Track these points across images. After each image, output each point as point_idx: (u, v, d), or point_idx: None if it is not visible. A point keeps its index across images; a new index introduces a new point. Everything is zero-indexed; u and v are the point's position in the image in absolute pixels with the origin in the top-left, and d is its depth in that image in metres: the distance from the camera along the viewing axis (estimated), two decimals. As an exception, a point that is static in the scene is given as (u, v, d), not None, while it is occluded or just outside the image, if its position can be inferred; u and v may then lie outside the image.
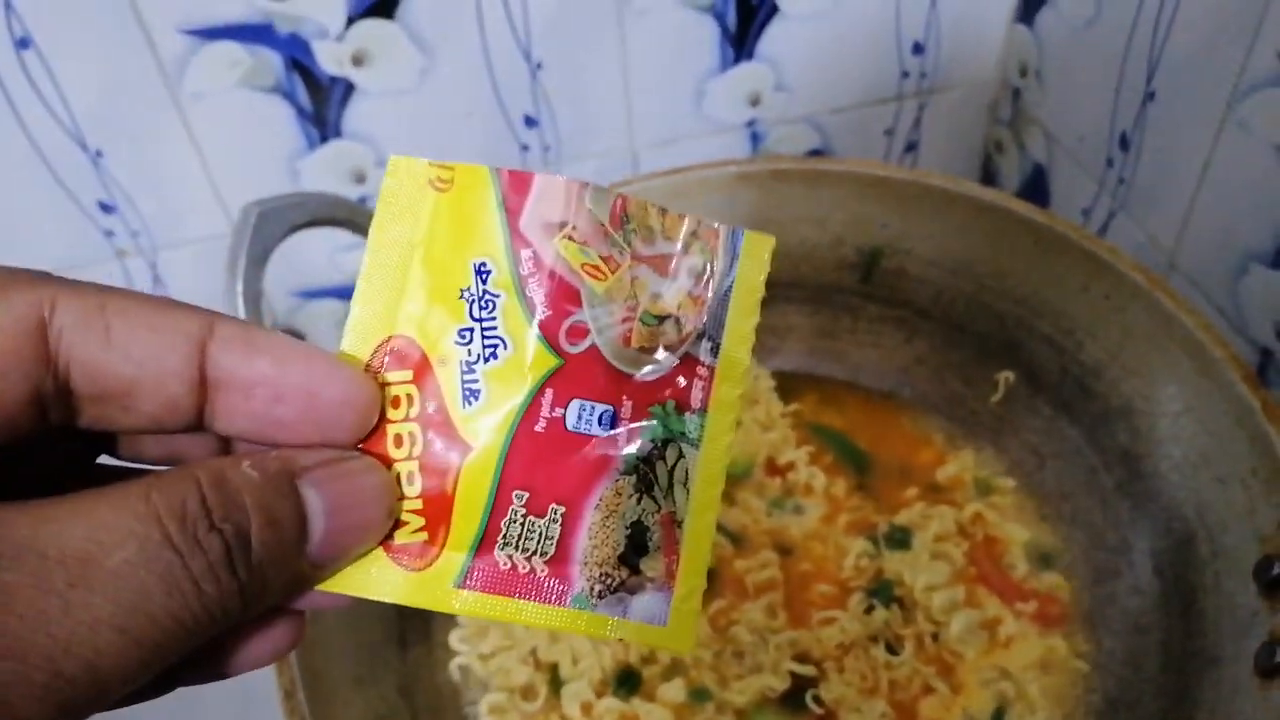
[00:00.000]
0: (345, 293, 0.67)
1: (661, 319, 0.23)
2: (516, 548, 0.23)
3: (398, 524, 0.22)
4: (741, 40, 0.63)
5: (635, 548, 0.23)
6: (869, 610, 0.50)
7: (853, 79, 0.66)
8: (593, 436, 0.23)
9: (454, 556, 0.23)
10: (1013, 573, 0.51)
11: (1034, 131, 0.67)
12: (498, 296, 0.23)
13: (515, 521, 0.23)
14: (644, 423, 0.23)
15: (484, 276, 0.23)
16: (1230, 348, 0.44)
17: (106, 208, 0.59)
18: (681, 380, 0.24)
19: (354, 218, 0.52)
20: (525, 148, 0.63)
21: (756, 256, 0.24)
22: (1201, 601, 0.44)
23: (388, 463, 0.23)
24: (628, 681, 0.49)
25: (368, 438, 0.23)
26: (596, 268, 0.23)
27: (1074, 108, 0.63)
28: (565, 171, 0.65)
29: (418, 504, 0.23)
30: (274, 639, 0.22)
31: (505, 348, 0.23)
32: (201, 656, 0.20)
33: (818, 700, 0.47)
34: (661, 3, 0.59)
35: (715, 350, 0.24)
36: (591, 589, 0.23)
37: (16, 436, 0.19)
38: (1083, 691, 0.47)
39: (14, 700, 0.16)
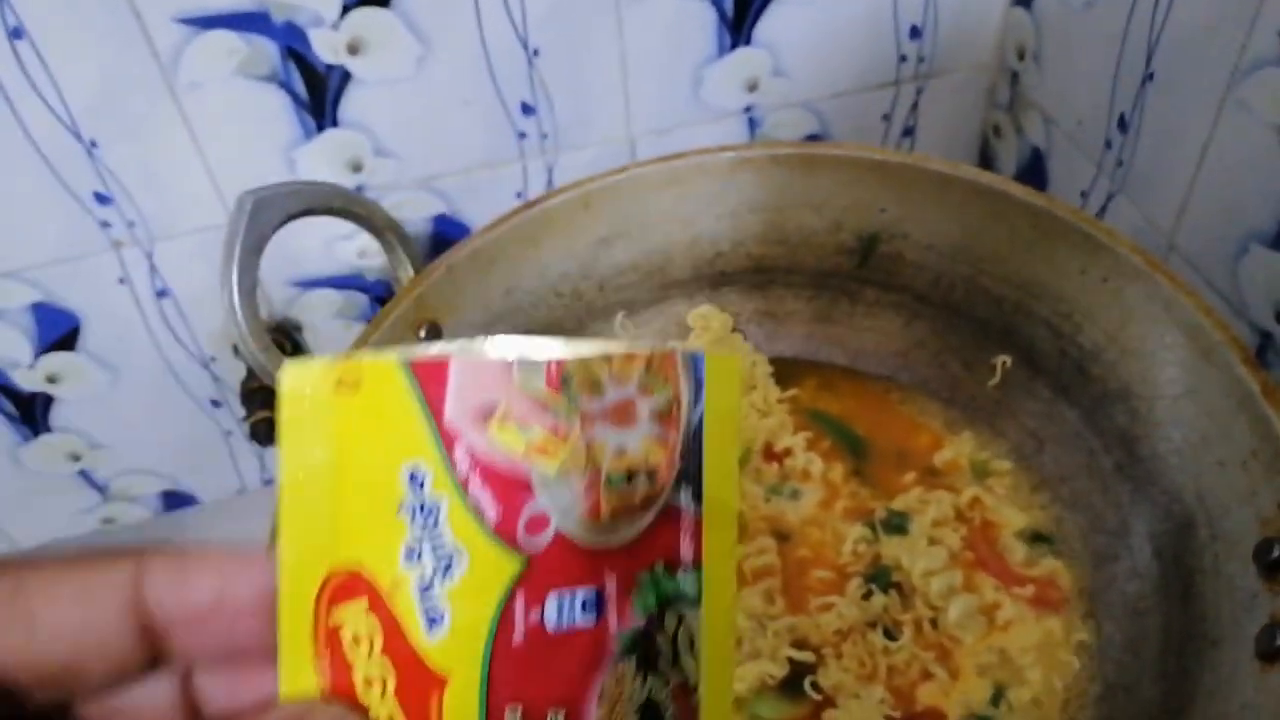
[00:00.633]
0: (343, 282, 0.67)
1: (631, 475, 0.21)
2: None
3: None
4: (739, 26, 0.62)
5: None
6: (867, 596, 0.49)
7: (850, 64, 0.66)
8: (578, 628, 0.20)
9: None
10: (1011, 557, 0.51)
11: (1032, 115, 0.66)
12: (439, 504, 0.20)
13: None
14: (633, 595, 0.21)
15: (419, 484, 0.20)
16: (1230, 330, 0.44)
17: (103, 199, 0.59)
18: (667, 537, 0.21)
19: (350, 206, 0.52)
20: (523, 135, 0.63)
21: (724, 379, 0.22)
22: (1201, 585, 0.44)
23: (362, 710, 0.20)
24: (626, 668, 0.49)
25: (334, 684, 0.21)
26: (543, 447, 0.20)
27: (1072, 90, 0.62)
28: (562, 161, 0.65)
29: (395, 710, 0.20)
30: None
31: (460, 560, 0.20)
32: None
33: (816, 686, 0.47)
34: (658, -12, 0.59)
35: (698, 495, 0.22)
36: None
37: None
38: (1081, 675, 0.47)
39: None
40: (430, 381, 0.20)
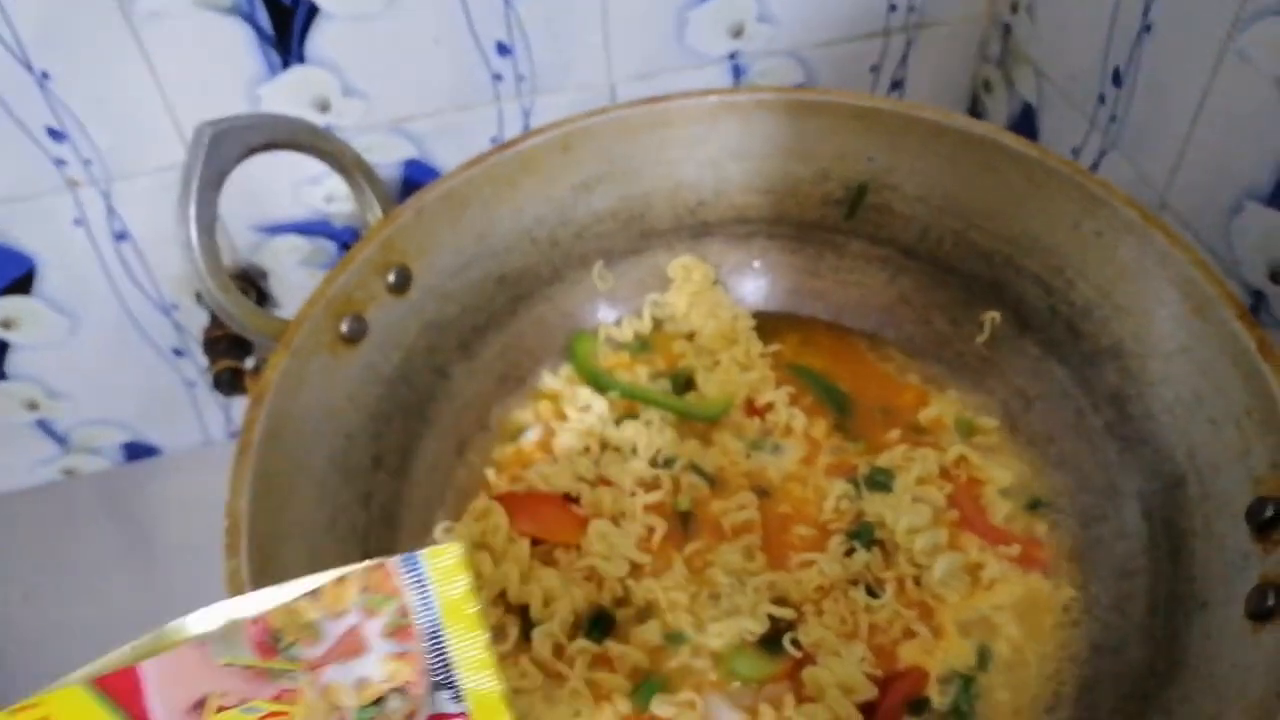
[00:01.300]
0: (309, 228, 0.64)
1: (379, 700, 0.20)
2: None
3: None
4: (725, -33, 0.60)
5: None
6: (849, 553, 0.48)
7: (839, 11, 0.64)
8: None
9: None
10: (996, 515, 0.50)
11: (1024, 69, 0.65)
12: None
13: None
14: None
15: None
16: (1225, 285, 0.43)
17: (56, 134, 0.56)
18: None
19: (316, 142, 0.50)
20: (498, 77, 0.61)
21: (447, 571, 0.21)
22: (1191, 545, 0.43)
23: None
24: (600, 623, 0.47)
25: None
26: (275, 716, 0.19)
27: (1066, 43, 0.61)
28: (539, 105, 0.62)
29: None
30: None
31: None
32: None
33: (796, 644, 0.46)
34: (642, -76, 0.57)
35: (458, 695, 0.21)
36: None
37: None
38: (1067, 636, 0.46)
39: None
40: (124, 695, 0.19)
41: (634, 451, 0.53)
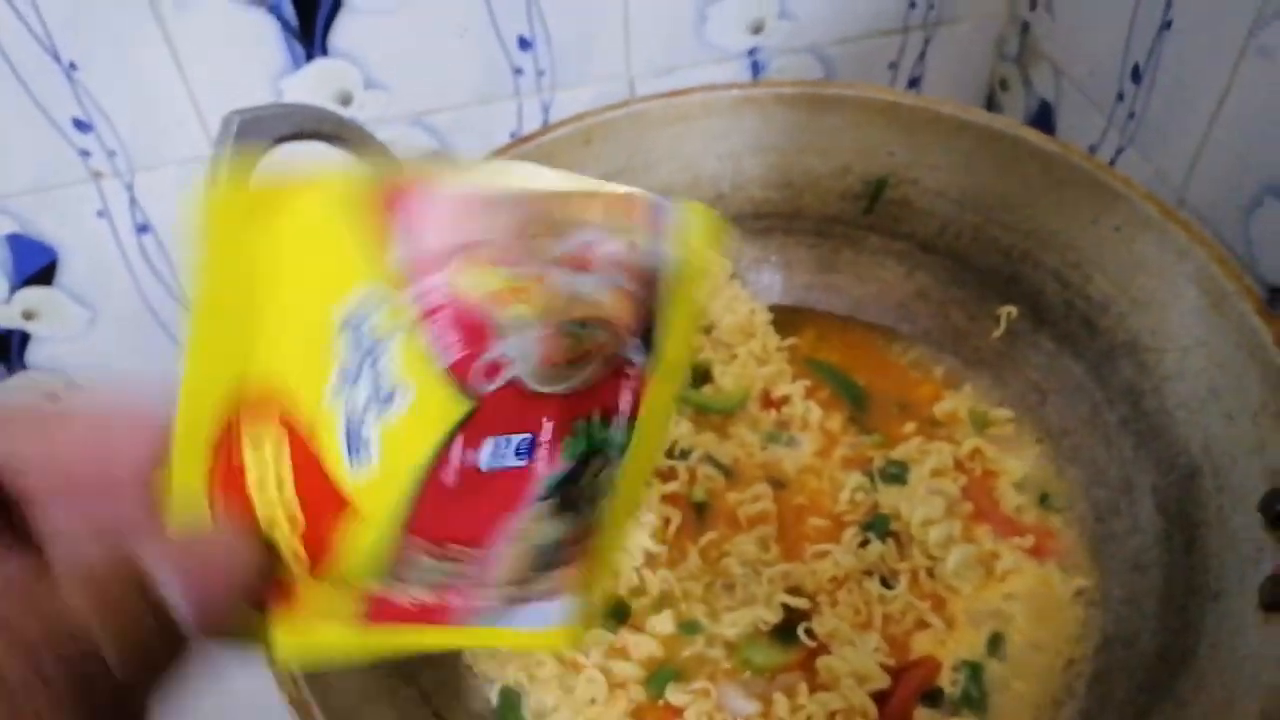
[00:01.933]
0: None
1: (585, 323, 0.19)
2: (420, 584, 0.20)
3: (283, 572, 0.20)
4: (745, -37, 0.60)
5: (541, 565, 0.21)
6: (864, 544, 0.49)
7: (858, 8, 0.64)
8: (508, 469, 0.20)
9: (345, 597, 0.20)
10: (1010, 508, 0.50)
11: (1042, 66, 0.65)
12: (385, 339, 0.19)
13: (418, 566, 0.20)
14: (566, 441, 0.20)
15: (361, 316, 0.19)
16: (1244, 279, 0.43)
17: (82, 125, 0.57)
18: (609, 388, 0.20)
19: (342, 132, 0.50)
20: (519, 71, 0.61)
21: (694, 232, 0.20)
22: (1204, 537, 0.43)
23: (255, 538, 0.20)
24: (616, 613, 0.48)
25: (228, 510, 0.20)
26: (506, 290, 0.19)
27: (1085, 40, 0.61)
28: (559, 99, 0.63)
29: (299, 548, 0.20)
30: None
31: (403, 397, 0.19)
32: None
33: (810, 633, 0.46)
34: (663, -81, 0.57)
35: (648, 347, 0.20)
36: (491, 609, 0.21)
37: None
38: (1080, 627, 0.46)
39: None
40: (388, 211, 0.19)
41: (650, 442, 0.53)
